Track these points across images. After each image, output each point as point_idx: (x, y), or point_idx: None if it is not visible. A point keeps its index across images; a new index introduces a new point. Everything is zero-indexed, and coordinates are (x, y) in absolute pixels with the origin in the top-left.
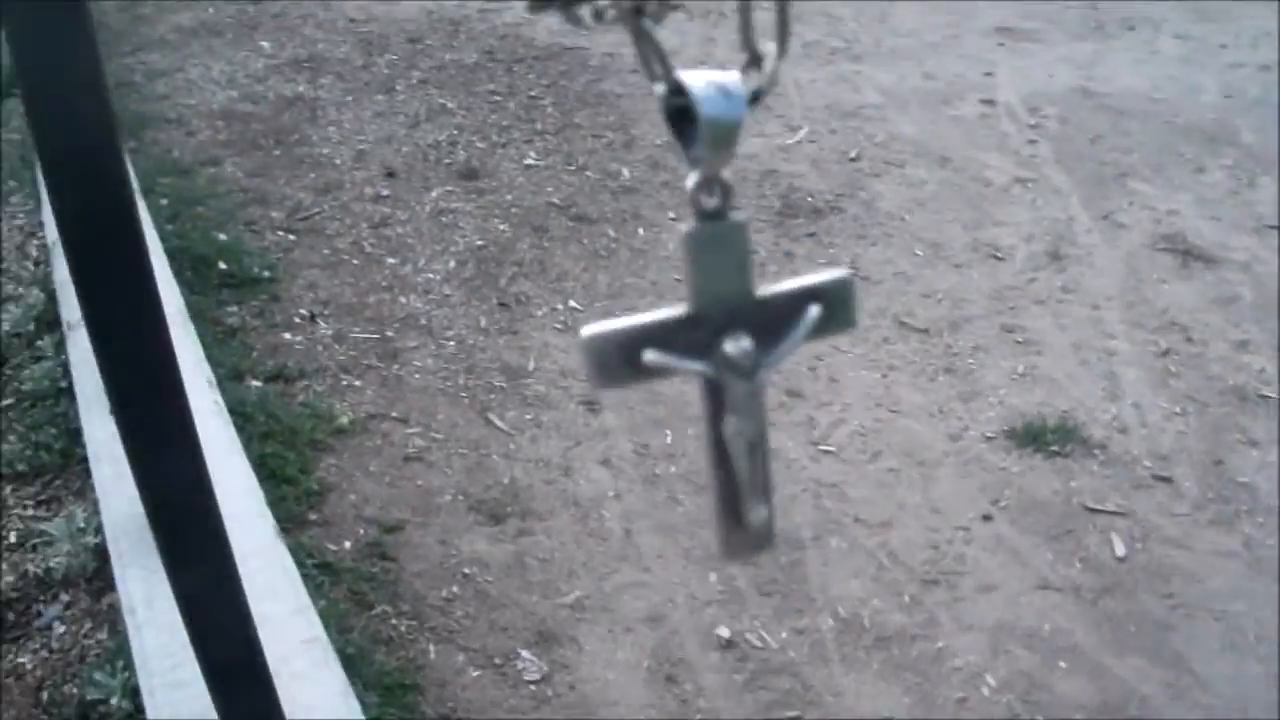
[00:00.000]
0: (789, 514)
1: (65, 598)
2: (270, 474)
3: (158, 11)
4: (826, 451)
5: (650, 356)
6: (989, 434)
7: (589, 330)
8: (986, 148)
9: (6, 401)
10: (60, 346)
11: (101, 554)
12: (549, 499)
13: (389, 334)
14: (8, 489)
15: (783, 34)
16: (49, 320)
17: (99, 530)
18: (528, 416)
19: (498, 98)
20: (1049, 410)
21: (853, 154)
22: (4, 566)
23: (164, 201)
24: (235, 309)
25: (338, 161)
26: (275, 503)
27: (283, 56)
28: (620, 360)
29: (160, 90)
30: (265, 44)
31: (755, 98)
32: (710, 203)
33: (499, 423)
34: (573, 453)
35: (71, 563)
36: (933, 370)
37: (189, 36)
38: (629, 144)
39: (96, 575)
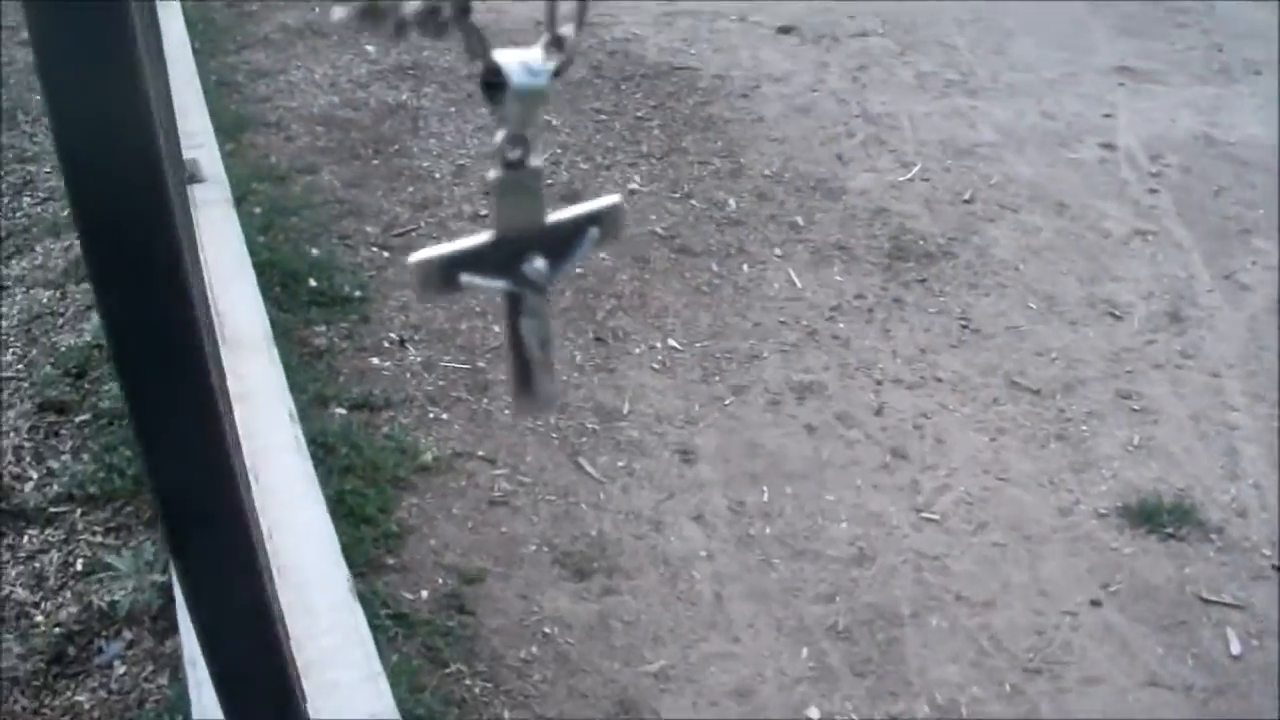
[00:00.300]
0: (888, 586)
1: (128, 635)
2: (349, 512)
3: (264, 10)
4: (930, 519)
5: (465, 278)
6: (1101, 510)
7: (416, 256)
8: (1105, 195)
9: (83, 417)
10: None
11: (167, 592)
12: (637, 555)
13: (480, 364)
14: (78, 512)
15: (581, 18)
16: None
17: (166, 568)
18: (620, 463)
19: (603, 117)
20: (1164, 487)
21: (966, 195)
22: (68, 595)
23: (257, 210)
24: (324, 329)
25: (437, 175)
26: (352, 545)
27: (386, 62)
28: (441, 280)
29: (261, 91)
30: (370, 48)
31: (557, 72)
32: (514, 155)
33: (590, 468)
34: (665, 506)
35: (137, 599)
36: (1044, 436)
37: (294, 37)
38: (736, 173)
39: (161, 614)
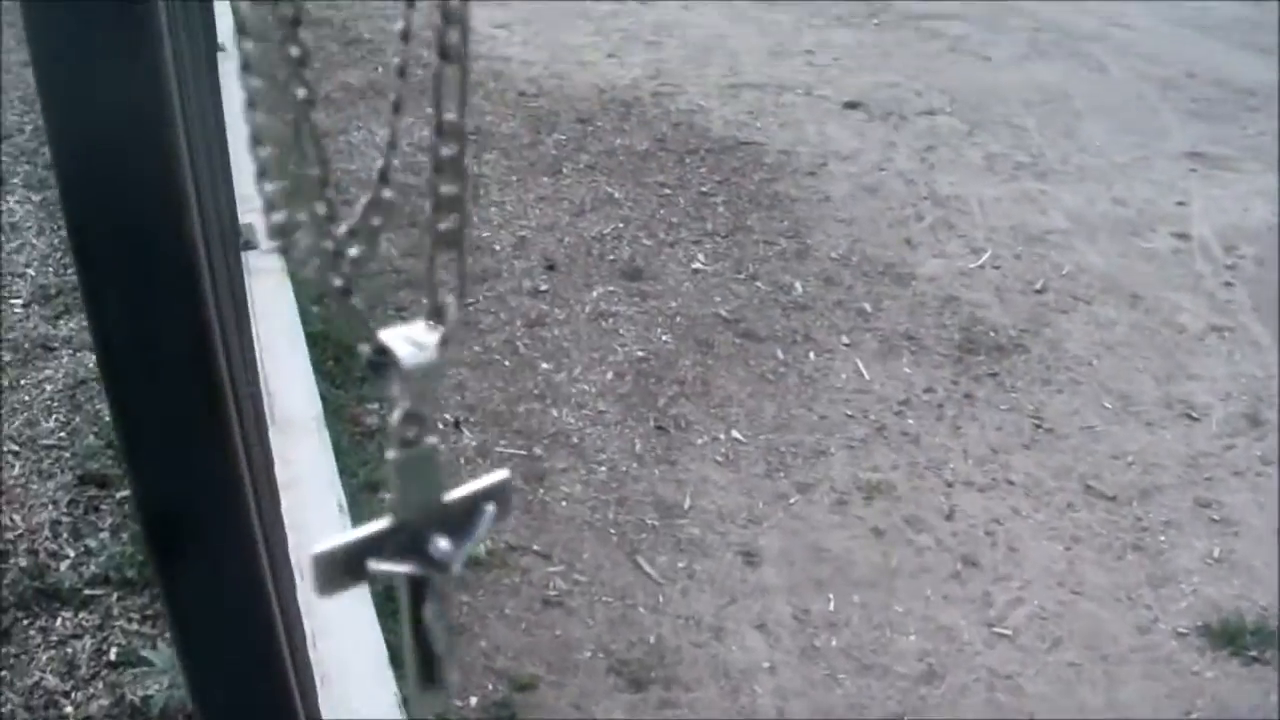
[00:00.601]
0: (958, 707)
1: None
2: (395, 610)
3: (326, 67)
4: (1002, 635)
5: (373, 565)
6: (1181, 629)
7: (317, 549)
8: (1179, 288)
9: (124, 493)
10: None
11: None
12: (697, 665)
13: (537, 451)
14: (114, 596)
15: (462, 287)
16: None
17: None
18: (680, 564)
19: (667, 191)
20: (1247, 605)
21: (1038, 285)
22: (100, 687)
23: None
24: (377, 407)
25: (497, 247)
26: (400, 646)
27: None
28: (345, 571)
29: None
30: (431, 111)
31: (444, 343)
32: (411, 433)
33: (648, 569)
34: (726, 611)
35: (172, 696)
36: (1120, 546)
37: (356, 97)
38: (802, 254)
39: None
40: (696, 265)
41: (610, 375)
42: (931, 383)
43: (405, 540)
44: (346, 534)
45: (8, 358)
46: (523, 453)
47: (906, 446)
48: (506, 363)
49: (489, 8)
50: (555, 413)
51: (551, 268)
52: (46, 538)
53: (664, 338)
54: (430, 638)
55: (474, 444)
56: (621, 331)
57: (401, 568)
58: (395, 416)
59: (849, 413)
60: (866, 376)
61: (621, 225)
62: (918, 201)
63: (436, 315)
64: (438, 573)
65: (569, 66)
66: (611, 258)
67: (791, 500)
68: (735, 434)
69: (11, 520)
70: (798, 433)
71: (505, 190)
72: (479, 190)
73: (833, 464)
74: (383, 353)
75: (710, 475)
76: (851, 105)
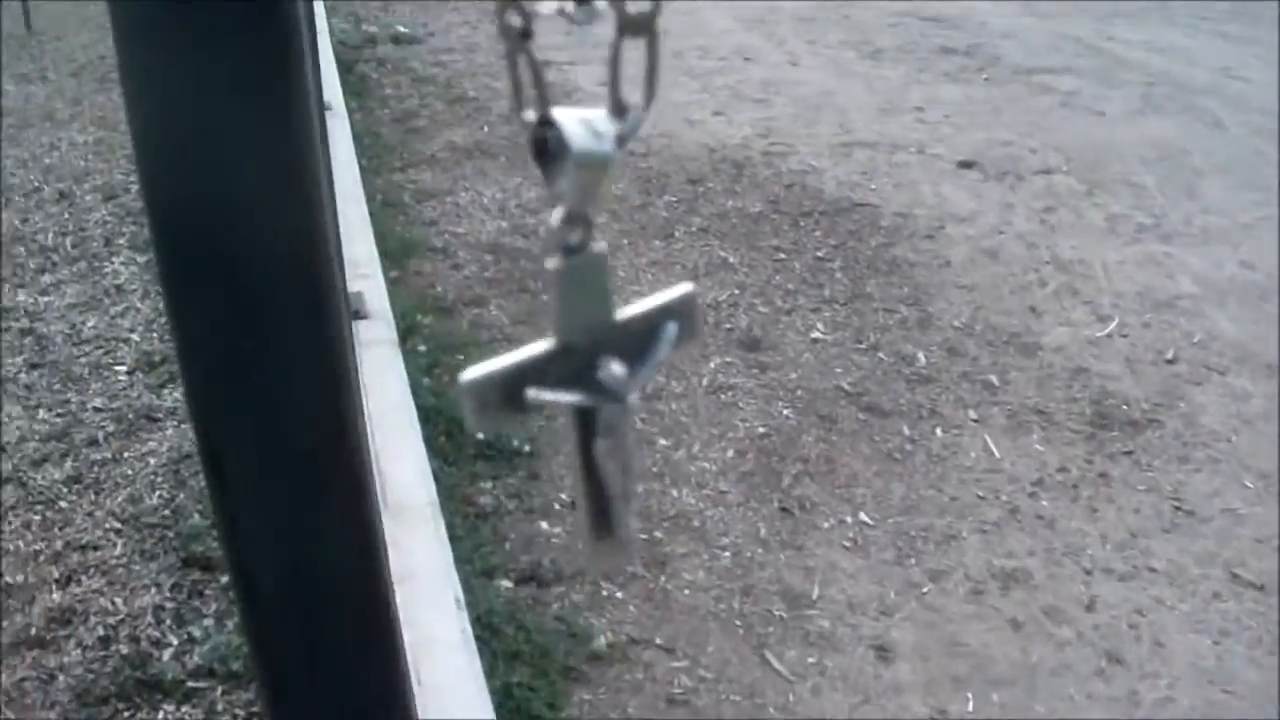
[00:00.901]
0: None
1: None
2: (515, 708)
3: (433, 126)
4: None
5: (532, 394)
6: None
7: (469, 374)
8: None
9: (229, 578)
10: None
11: None
12: None
13: (657, 534)
14: (218, 690)
15: (651, 84)
16: None
17: None
18: (810, 659)
19: (782, 255)
20: None
21: (1169, 354)
22: None
23: (422, 348)
24: (490, 486)
25: None
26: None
27: None
28: (501, 400)
29: (428, 214)
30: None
31: (621, 142)
32: (574, 238)
33: (777, 664)
34: (860, 711)
35: None
36: (1270, 641)
37: (462, 156)
38: (924, 323)
39: None
40: (816, 334)
41: (731, 453)
42: (1064, 461)
43: (571, 365)
44: (504, 357)
45: (110, 428)
46: (643, 536)
47: (1041, 530)
48: None
49: (593, 67)
50: (675, 493)
51: None
52: (149, 624)
53: (785, 412)
54: (603, 479)
55: None
56: (741, 405)
57: (567, 397)
58: (556, 216)
59: (980, 494)
60: (996, 454)
61: (737, 292)
62: (1040, 266)
63: (618, 110)
64: (609, 402)
65: (676, 125)
66: (728, 326)
67: (924, 589)
68: (863, 516)
69: (113, 604)
70: (928, 515)
71: (617, 255)
72: None
73: (966, 550)
74: (550, 126)
75: (838, 561)
76: (966, 164)
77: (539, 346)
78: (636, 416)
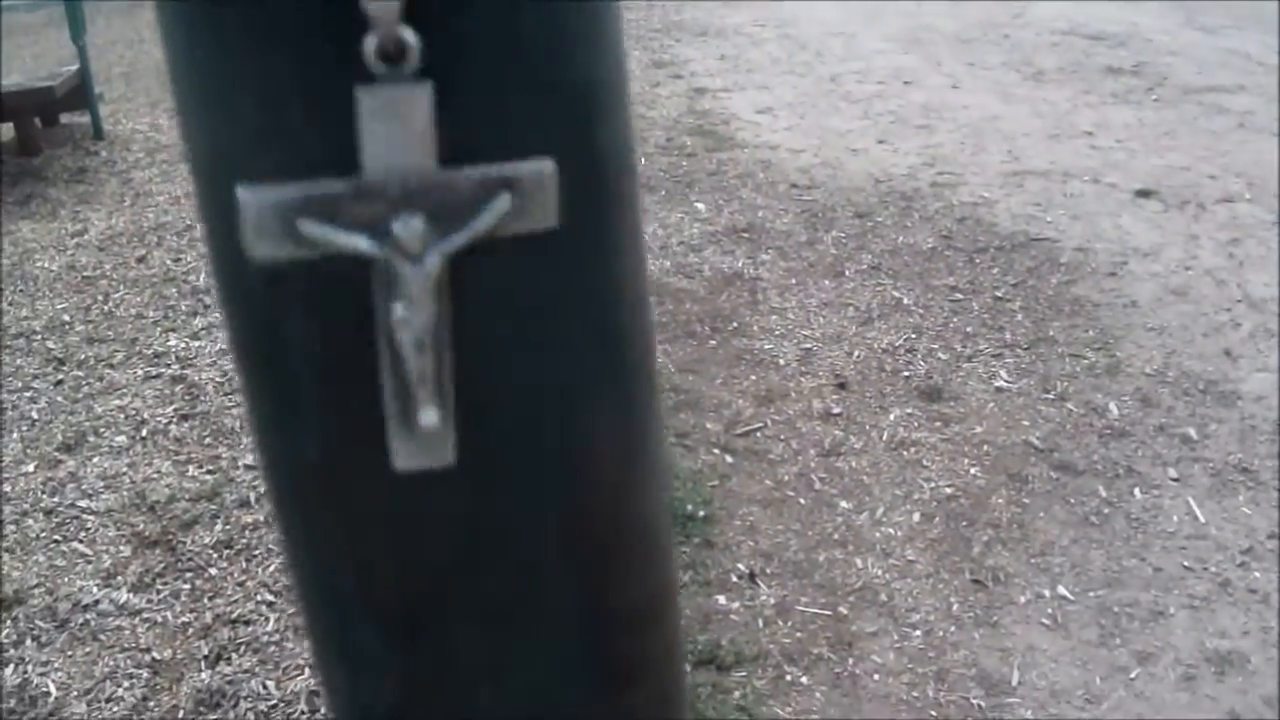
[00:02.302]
0: None
1: None
2: None
3: None
4: None
5: (309, 227)
6: None
7: (247, 190)
8: None
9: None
10: None
11: None
12: None
13: (842, 610)
14: None
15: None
16: None
17: None
18: None
19: (959, 295)
20: None
21: None
22: None
23: None
24: None
25: (781, 362)
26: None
27: (719, 223)
28: (280, 228)
29: None
30: (701, 205)
31: None
32: (389, 54)
33: None
34: None
35: None
36: None
37: None
38: (1113, 370)
39: None
40: (1000, 383)
41: (917, 516)
42: (1275, 526)
43: (370, 210)
44: (298, 183)
45: (263, 488)
46: (827, 613)
47: (1255, 606)
48: (802, 500)
49: (750, 93)
50: (859, 562)
51: (843, 386)
52: (303, 711)
53: (972, 470)
54: (400, 357)
55: (773, 601)
56: (925, 463)
57: (349, 239)
58: (368, 39)
59: (1186, 564)
60: (1201, 519)
61: (914, 336)
62: (1231, 305)
63: None
64: (402, 259)
65: (839, 154)
66: (906, 374)
67: (1132, 675)
68: (1061, 590)
69: (265, 687)
70: (1131, 589)
71: (785, 295)
72: (757, 295)
73: (1174, 628)
74: None
75: (1037, 641)
76: (1144, 194)
77: (339, 180)
78: (440, 285)
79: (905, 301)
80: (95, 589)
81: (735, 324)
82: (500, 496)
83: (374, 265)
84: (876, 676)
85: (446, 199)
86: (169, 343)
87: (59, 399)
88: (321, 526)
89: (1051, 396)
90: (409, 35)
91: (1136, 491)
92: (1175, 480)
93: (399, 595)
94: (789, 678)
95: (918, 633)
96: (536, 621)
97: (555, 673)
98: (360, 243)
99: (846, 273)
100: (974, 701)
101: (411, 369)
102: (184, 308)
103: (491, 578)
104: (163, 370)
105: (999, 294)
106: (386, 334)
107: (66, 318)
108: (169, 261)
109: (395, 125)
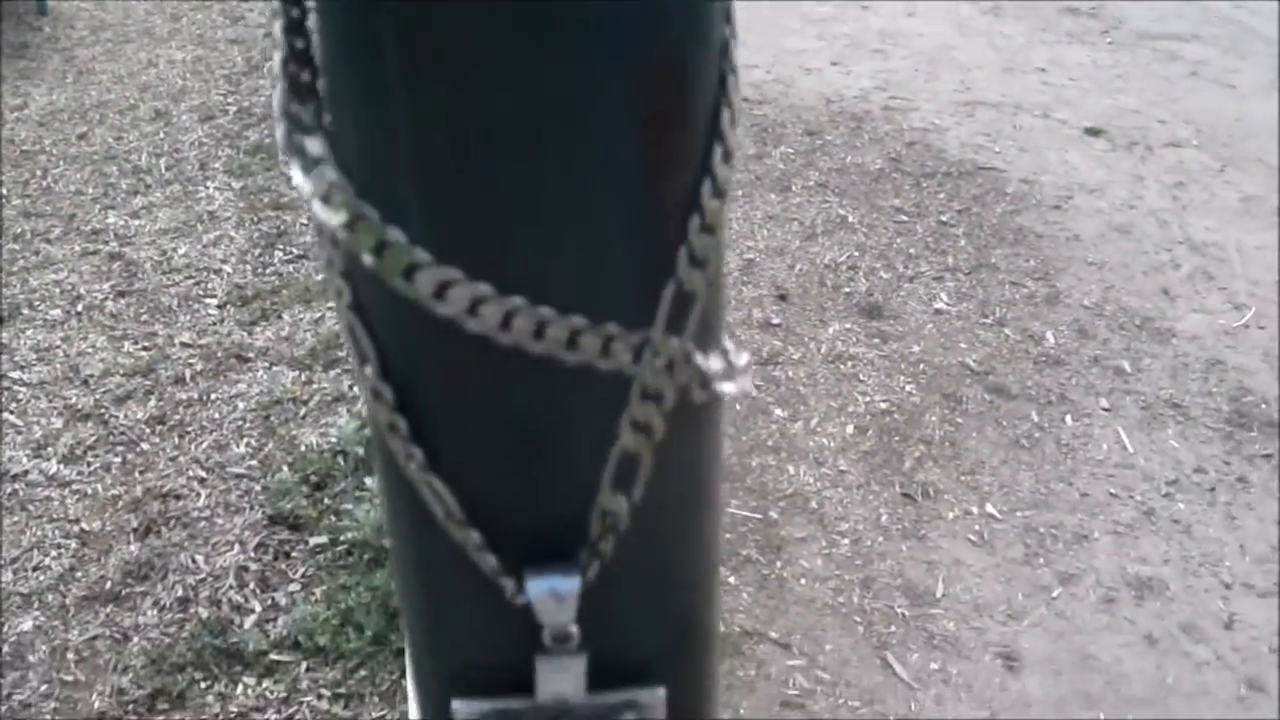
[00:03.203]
0: None
1: None
2: None
3: None
4: None
5: None
6: None
7: (463, 708)
8: None
9: (318, 540)
10: None
11: None
12: None
13: (773, 514)
14: (303, 666)
15: None
16: None
17: None
18: (933, 664)
19: (904, 218)
20: None
21: None
22: None
23: None
24: None
25: (724, 270)
26: None
27: None
28: None
29: None
30: None
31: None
32: (563, 644)
33: (898, 668)
34: None
35: None
36: None
37: None
38: (1052, 300)
39: None
40: (939, 305)
41: (851, 429)
42: (1201, 461)
43: (542, 716)
44: (493, 701)
45: (199, 366)
46: (757, 516)
47: (1177, 536)
48: (738, 406)
49: None
50: (792, 469)
51: (783, 298)
52: (231, 586)
53: (907, 387)
54: None
55: None
56: (861, 377)
57: None
58: (547, 635)
59: (1112, 491)
60: (1130, 449)
61: (856, 254)
62: (1173, 246)
63: (592, 551)
64: None
65: (793, 72)
66: (847, 290)
67: (1054, 594)
68: (989, 508)
69: (194, 561)
70: (1057, 511)
71: (731, 206)
72: None
73: (1097, 552)
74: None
75: (963, 556)
76: (1093, 132)
77: (523, 700)
78: None
79: (850, 220)
80: (25, 459)
81: None
82: None
83: None
84: (804, 581)
85: (590, 714)
86: (108, 220)
87: None
88: None
89: (990, 321)
90: (573, 629)
91: (1068, 418)
92: (1106, 410)
93: None
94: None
95: (846, 541)
96: None
97: None
98: None
99: (793, 188)
100: (898, 610)
101: None
102: (124, 186)
103: None
104: (100, 247)
105: (943, 219)
106: None
107: (4, 191)
108: (110, 139)
109: (561, 675)
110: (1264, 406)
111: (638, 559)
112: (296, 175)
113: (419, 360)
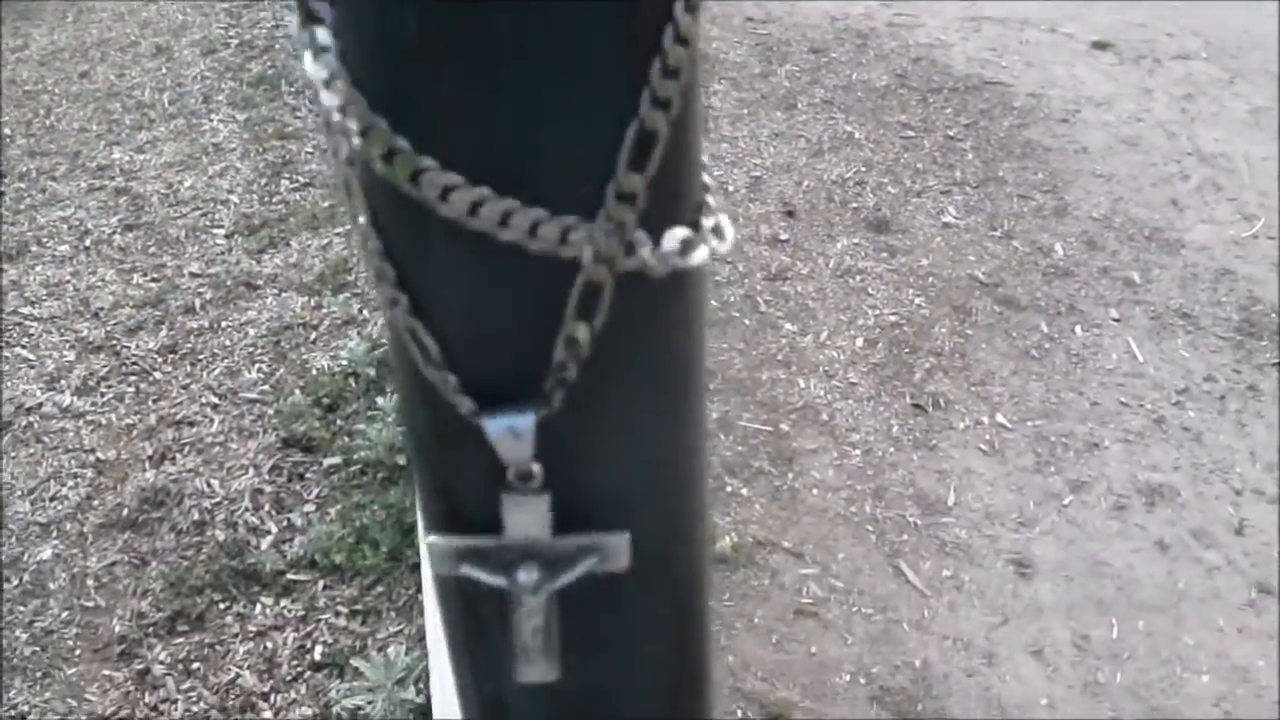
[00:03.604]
0: None
1: None
2: None
3: None
4: None
5: (464, 569)
6: None
7: (432, 540)
8: None
9: (332, 461)
10: None
11: (425, 714)
12: (968, 698)
13: (784, 427)
14: (320, 584)
15: None
16: None
17: (422, 685)
18: (945, 572)
19: (910, 133)
20: None
21: None
22: (303, 690)
23: None
24: None
25: (730, 188)
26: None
27: None
28: (453, 562)
29: None
30: None
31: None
32: (526, 484)
33: (911, 576)
34: (998, 633)
35: (386, 714)
36: None
37: None
38: (1061, 212)
39: None
40: (947, 219)
41: (860, 342)
42: (1211, 370)
43: (505, 558)
44: (464, 538)
45: (208, 295)
46: (768, 429)
47: (1188, 444)
48: (747, 321)
49: None
50: (802, 383)
51: (791, 214)
52: (247, 508)
53: (916, 300)
54: (517, 631)
55: (716, 415)
56: (870, 291)
57: (491, 579)
58: (510, 473)
59: (1123, 399)
60: (1140, 358)
61: (863, 169)
62: (1181, 158)
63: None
64: (525, 592)
65: None
66: (855, 205)
67: (1065, 501)
68: (1000, 418)
69: (209, 485)
70: (1068, 420)
71: (737, 125)
72: (708, 124)
73: (1108, 460)
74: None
75: (974, 466)
76: (1100, 45)
77: (488, 539)
78: (547, 609)
79: (857, 136)
80: (39, 392)
81: None
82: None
83: (508, 591)
84: (815, 491)
85: (555, 555)
86: (113, 156)
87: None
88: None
89: (998, 234)
90: (535, 467)
91: (1078, 329)
92: (1116, 320)
93: None
94: (729, 489)
95: (857, 452)
96: None
97: None
98: (500, 581)
99: (799, 106)
100: (910, 519)
101: (529, 644)
102: (128, 122)
103: None
104: (106, 183)
105: (950, 133)
106: (516, 623)
107: (7, 131)
108: (112, 76)
109: (525, 514)
110: (1273, 315)
111: (602, 399)
112: (307, 62)
113: (400, 210)
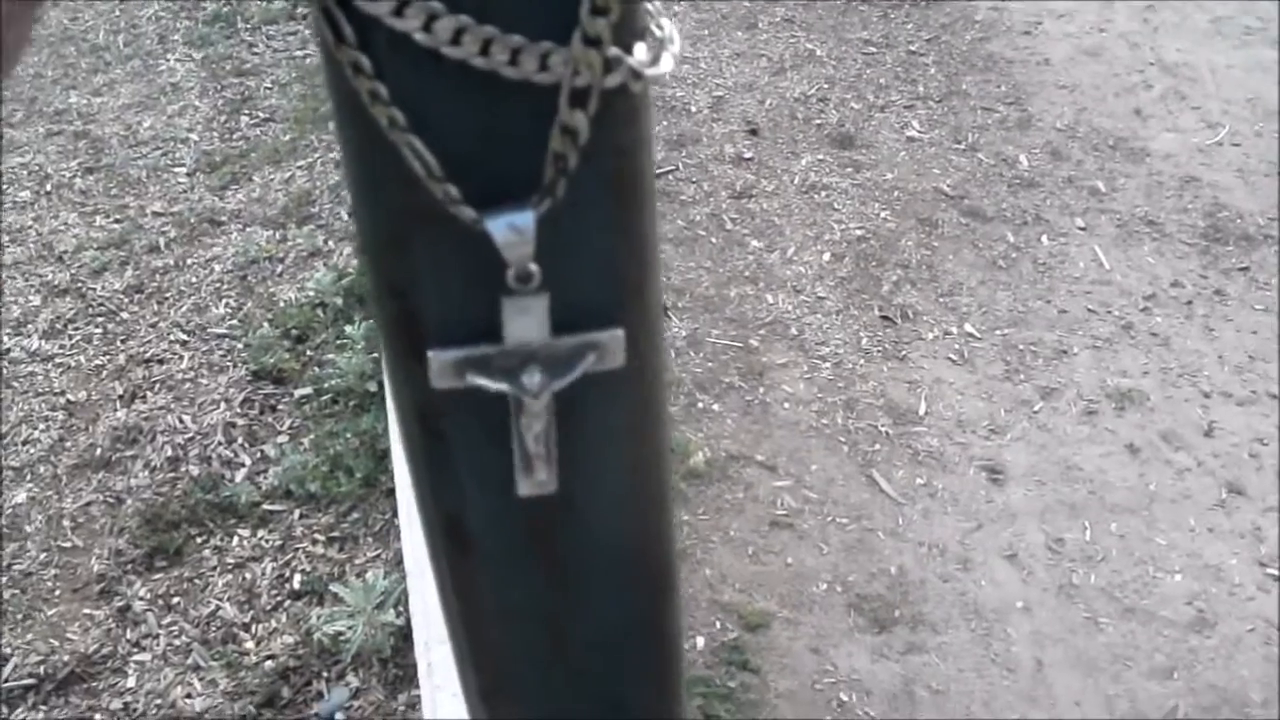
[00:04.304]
0: (1232, 662)
1: (354, 681)
2: None
3: None
4: (1275, 577)
5: (470, 379)
6: None
7: (433, 352)
8: None
9: (303, 391)
10: (375, 339)
11: (402, 635)
12: (944, 603)
13: (753, 342)
14: (296, 513)
15: None
16: (364, 296)
17: (401, 608)
18: (919, 480)
19: (872, 49)
20: None
21: None
22: (283, 619)
23: None
24: None
25: (693, 109)
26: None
27: None
28: (453, 373)
29: None
30: None
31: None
32: (525, 285)
33: (885, 485)
34: (972, 539)
35: (367, 638)
36: None
37: None
38: (1024, 124)
39: (396, 656)
40: (911, 133)
41: (827, 256)
42: (1178, 275)
43: (507, 364)
44: (465, 348)
45: (172, 233)
46: (738, 345)
47: (1156, 349)
48: (714, 239)
49: None
50: (770, 298)
51: (754, 132)
52: (219, 442)
53: (882, 214)
54: (520, 439)
55: (685, 333)
56: (836, 206)
57: (496, 385)
58: (511, 275)
59: (1090, 307)
60: (1106, 266)
61: (826, 86)
62: (1144, 68)
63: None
64: (526, 397)
65: None
66: (818, 122)
67: (1036, 408)
68: (968, 327)
69: (181, 421)
70: (1036, 329)
71: (698, 45)
72: None
73: (1077, 366)
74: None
75: (944, 375)
76: None
77: (489, 347)
78: (548, 412)
79: (818, 53)
80: (6, 338)
81: None
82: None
83: (510, 395)
84: (786, 405)
85: (555, 356)
86: (70, 100)
87: None
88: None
89: (962, 147)
90: (533, 267)
91: (1044, 238)
92: (1082, 229)
93: None
94: (700, 405)
95: (827, 365)
96: None
97: None
98: (503, 386)
99: (759, 25)
100: (882, 429)
101: (531, 451)
102: (84, 65)
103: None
104: (64, 127)
105: (912, 48)
106: (518, 430)
107: None
108: (65, 20)
109: (525, 318)
110: (1239, 221)
111: (595, 194)
112: None
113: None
